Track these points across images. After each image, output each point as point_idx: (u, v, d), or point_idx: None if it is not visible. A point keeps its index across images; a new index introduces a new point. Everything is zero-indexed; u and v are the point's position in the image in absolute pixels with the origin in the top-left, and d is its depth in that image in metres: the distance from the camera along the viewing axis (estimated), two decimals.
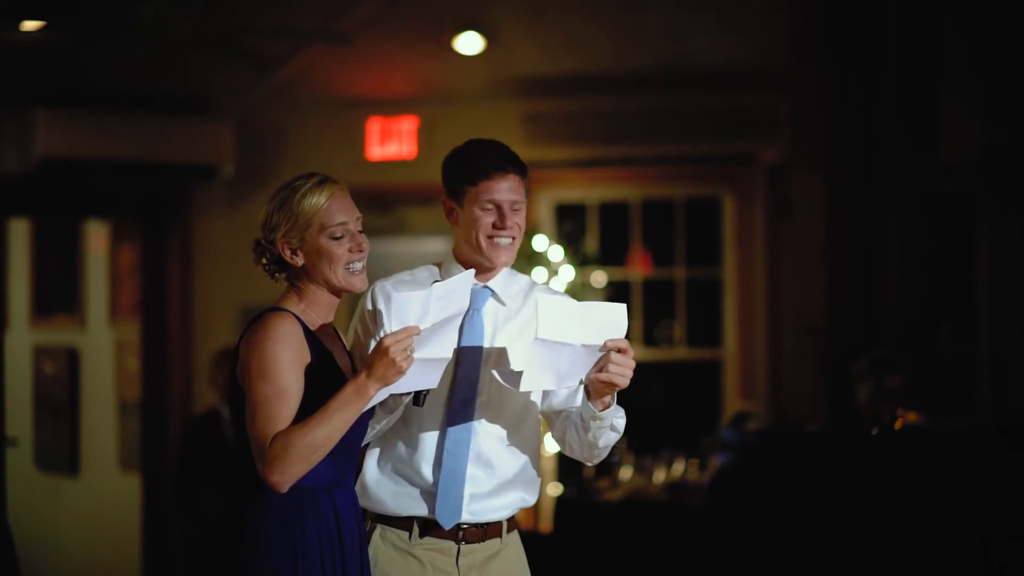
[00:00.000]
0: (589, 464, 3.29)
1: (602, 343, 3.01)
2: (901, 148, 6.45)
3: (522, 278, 3.30)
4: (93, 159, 7.45)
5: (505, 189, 3.16)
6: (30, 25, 6.84)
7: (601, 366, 3.02)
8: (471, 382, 3.16)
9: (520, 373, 3.02)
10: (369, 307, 3.20)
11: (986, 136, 6.85)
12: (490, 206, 3.16)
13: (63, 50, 7.22)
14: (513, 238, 3.18)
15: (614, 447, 3.24)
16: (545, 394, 3.23)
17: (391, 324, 2.92)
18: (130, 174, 7.72)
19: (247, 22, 7.33)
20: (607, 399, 3.08)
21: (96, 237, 8.68)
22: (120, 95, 7.62)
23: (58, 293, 8.98)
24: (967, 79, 6.82)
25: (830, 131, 6.58)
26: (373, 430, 3.15)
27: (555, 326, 2.96)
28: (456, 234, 3.23)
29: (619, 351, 3.02)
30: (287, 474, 2.91)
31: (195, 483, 6.40)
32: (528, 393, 3.19)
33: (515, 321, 3.22)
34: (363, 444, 3.17)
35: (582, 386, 3.10)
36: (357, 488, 3.17)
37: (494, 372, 3.09)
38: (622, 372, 3.02)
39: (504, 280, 3.25)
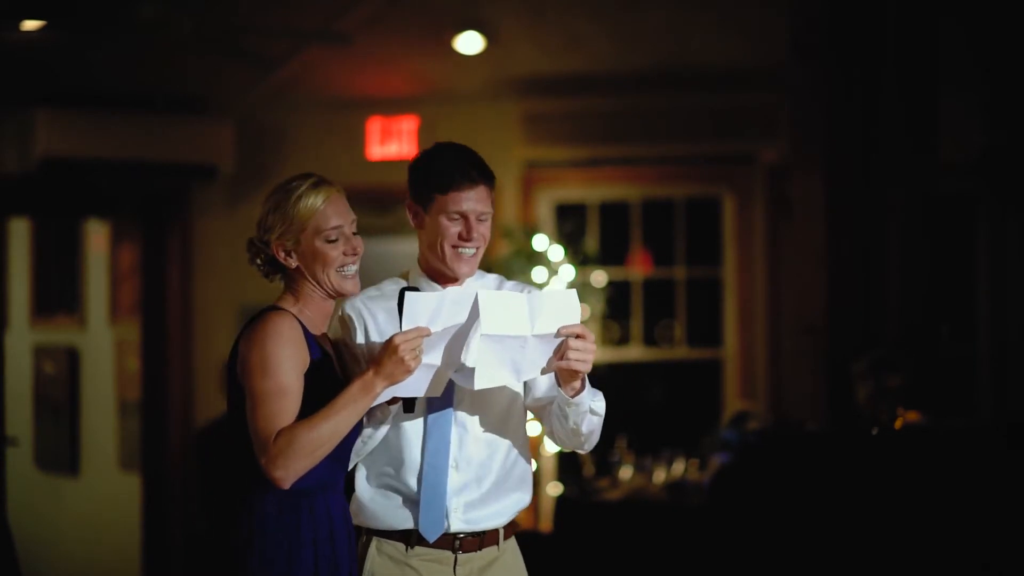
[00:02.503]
0: (581, 452, 3.28)
1: (556, 331, 2.98)
2: (901, 148, 6.45)
3: (491, 278, 3.26)
4: (93, 159, 7.45)
5: (473, 199, 3.10)
6: (30, 25, 6.83)
7: (561, 353, 3.00)
8: (447, 390, 3.11)
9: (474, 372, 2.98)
10: (343, 319, 3.17)
11: (986, 136, 6.86)
12: (457, 216, 3.10)
13: (63, 50, 7.21)
14: (477, 248, 3.14)
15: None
16: (528, 388, 3.20)
17: (403, 323, 2.92)
18: (130, 174, 7.72)
19: (247, 22, 7.32)
20: (576, 384, 3.05)
21: (96, 237, 8.68)
22: (120, 95, 7.62)
23: (58, 293, 8.98)
24: (967, 79, 6.83)
25: (830, 131, 6.58)
26: (365, 445, 3.14)
27: (499, 320, 2.92)
28: (420, 239, 3.18)
29: (576, 336, 3.00)
30: (291, 469, 2.91)
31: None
32: (509, 392, 3.16)
33: None
34: (351, 466, 3.16)
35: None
36: (352, 507, 3.17)
37: (451, 375, 3.03)
38: (582, 357, 3.00)
39: (473, 285, 3.19)
